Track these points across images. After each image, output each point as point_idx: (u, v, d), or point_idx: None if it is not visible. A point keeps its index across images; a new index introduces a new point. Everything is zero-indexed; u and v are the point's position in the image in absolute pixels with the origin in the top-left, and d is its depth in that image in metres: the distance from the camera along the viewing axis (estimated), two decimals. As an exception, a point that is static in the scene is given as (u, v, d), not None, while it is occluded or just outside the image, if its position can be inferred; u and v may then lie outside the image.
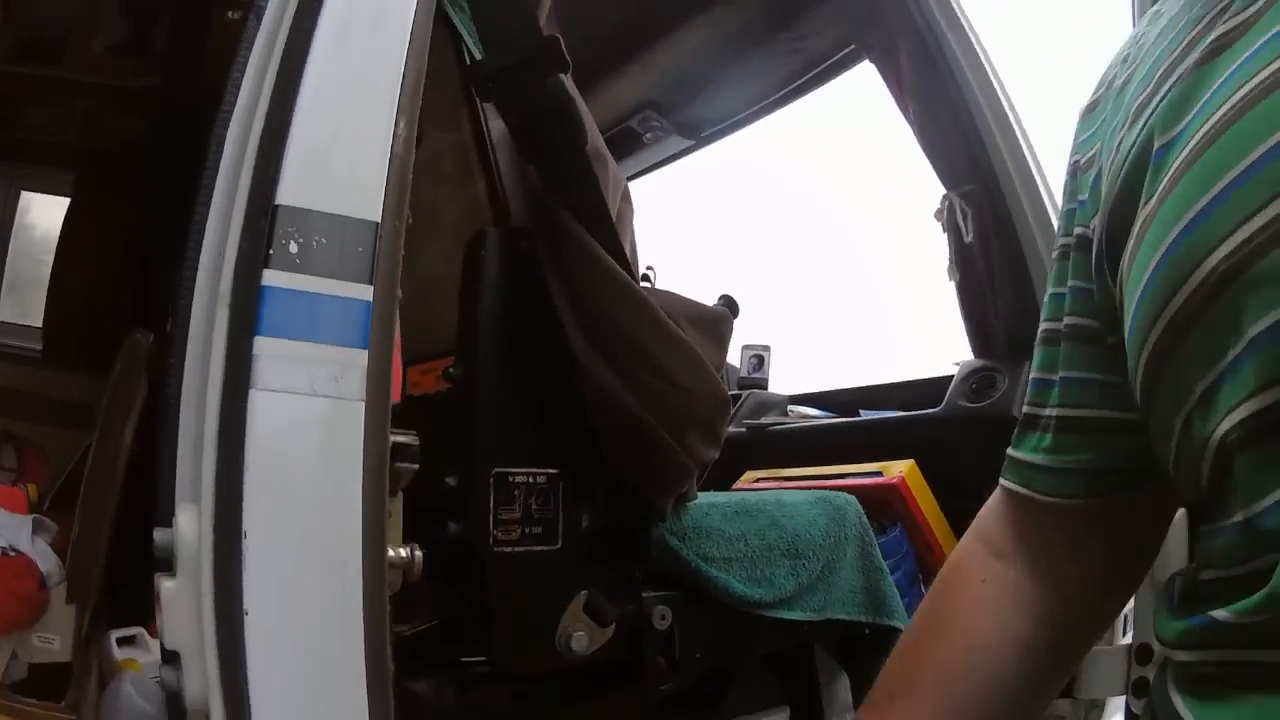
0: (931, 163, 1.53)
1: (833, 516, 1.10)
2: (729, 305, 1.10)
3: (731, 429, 1.53)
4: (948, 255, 1.50)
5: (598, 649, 0.92)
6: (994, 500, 0.62)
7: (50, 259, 2.17)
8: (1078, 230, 0.52)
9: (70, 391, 1.91)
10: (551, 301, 0.90)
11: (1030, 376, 0.58)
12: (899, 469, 1.29)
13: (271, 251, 0.61)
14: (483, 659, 1.08)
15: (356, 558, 0.57)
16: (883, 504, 1.27)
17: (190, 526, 0.58)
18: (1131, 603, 1.41)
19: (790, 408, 1.62)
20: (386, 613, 0.59)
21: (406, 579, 0.64)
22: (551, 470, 0.91)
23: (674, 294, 0.98)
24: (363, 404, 0.60)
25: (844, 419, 1.51)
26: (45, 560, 1.30)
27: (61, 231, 2.11)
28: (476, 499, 0.87)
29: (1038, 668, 0.57)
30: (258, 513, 0.55)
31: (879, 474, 1.30)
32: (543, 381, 0.91)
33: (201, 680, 0.55)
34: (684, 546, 0.97)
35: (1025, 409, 0.58)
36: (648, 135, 1.71)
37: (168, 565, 0.58)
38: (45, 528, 1.38)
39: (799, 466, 1.42)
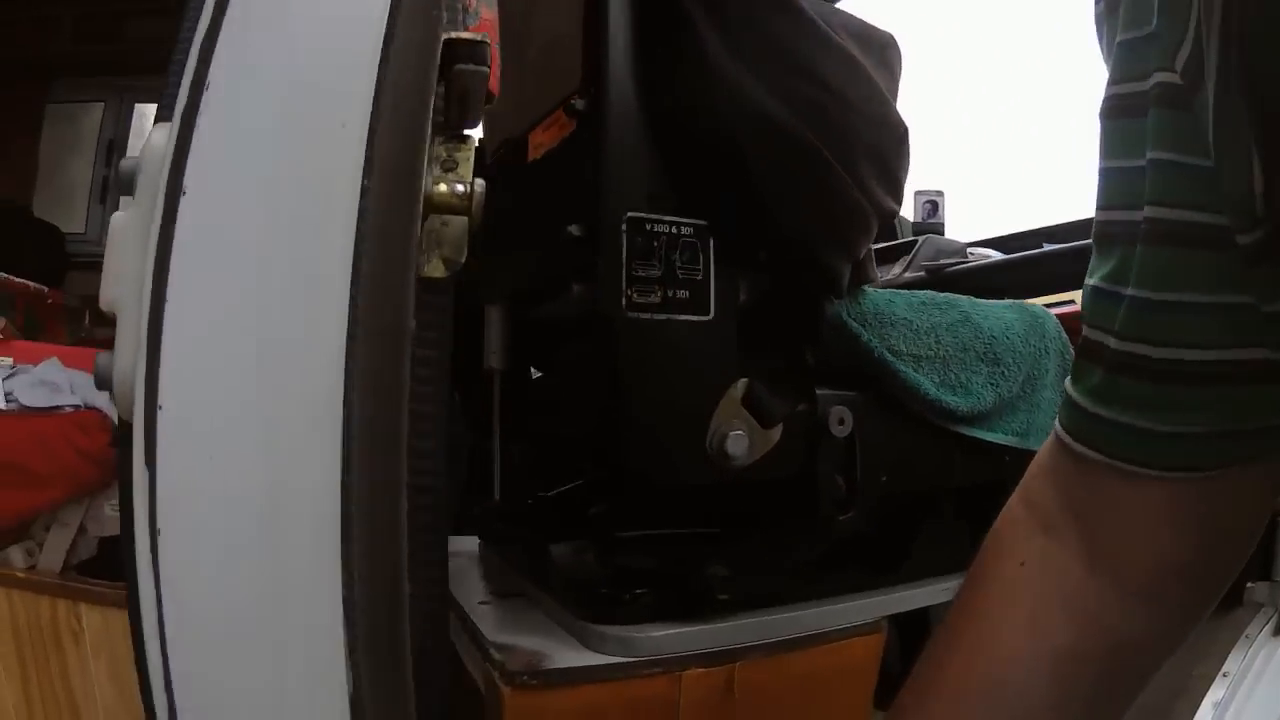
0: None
1: (1031, 325, 0.86)
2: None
3: (908, 274, 1.30)
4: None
5: (760, 460, 0.70)
6: (1048, 450, 0.47)
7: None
8: (1158, 77, 0.36)
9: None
10: (686, 17, 0.68)
11: (1087, 284, 0.43)
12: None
13: None
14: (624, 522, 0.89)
15: (360, 132, 0.33)
16: (1079, 333, 1.01)
17: (160, 136, 0.38)
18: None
19: (970, 251, 1.38)
20: (414, 244, 0.36)
21: (471, 226, 0.42)
22: (699, 221, 0.70)
23: (832, 5, 0.75)
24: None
25: (1029, 252, 1.26)
26: (122, 414, 1.15)
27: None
28: (606, 248, 0.66)
29: (1083, 691, 0.43)
30: (231, 59, 0.33)
31: (1071, 302, 1.04)
32: (684, 113, 0.70)
33: (133, 344, 0.33)
34: (865, 332, 0.74)
35: (1085, 330, 0.43)
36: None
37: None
38: (129, 384, 1.25)
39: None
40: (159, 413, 0.30)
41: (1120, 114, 0.39)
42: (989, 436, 0.81)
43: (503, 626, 0.76)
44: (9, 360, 1.14)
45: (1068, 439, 0.43)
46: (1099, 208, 0.42)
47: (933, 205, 1.49)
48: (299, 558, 0.30)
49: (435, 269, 0.41)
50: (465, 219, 0.41)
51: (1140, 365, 0.39)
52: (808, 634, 0.76)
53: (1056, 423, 0.45)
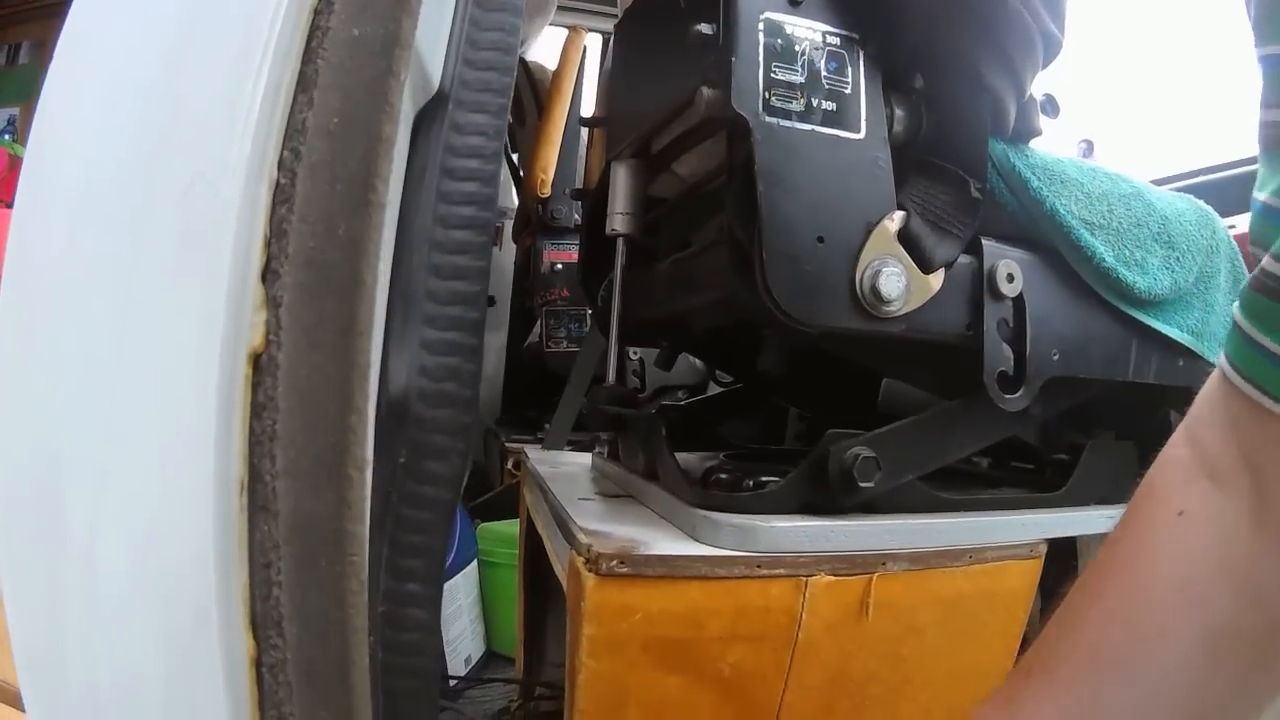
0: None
1: (1201, 216, 0.70)
2: (1049, 103, 0.74)
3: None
4: None
5: (918, 311, 0.54)
6: (1218, 383, 0.37)
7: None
8: None
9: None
10: None
11: (1255, 199, 0.34)
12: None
13: None
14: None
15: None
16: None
17: None
18: None
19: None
20: None
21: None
22: (848, 32, 0.56)
23: None
24: None
25: (1184, 182, 1.09)
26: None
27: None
28: (741, 45, 0.53)
29: (1232, 671, 0.35)
30: None
31: (1232, 226, 0.88)
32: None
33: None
34: (1035, 179, 0.59)
35: (1253, 251, 0.35)
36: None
37: None
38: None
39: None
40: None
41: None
42: (1165, 328, 0.64)
43: (601, 517, 0.60)
44: None
45: (1239, 380, 0.34)
46: (1265, 105, 0.33)
47: (1088, 145, 1.36)
48: None
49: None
50: None
51: None
52: (958, 548, 0.59)
53: (1222, 355, 0.35)
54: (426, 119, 0.35)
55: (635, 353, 1.13)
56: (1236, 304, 0.35)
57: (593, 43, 1.54)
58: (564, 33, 1.49)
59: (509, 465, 1.13)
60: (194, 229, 0.25)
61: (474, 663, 1.11)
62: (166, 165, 0.25)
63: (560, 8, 1.53)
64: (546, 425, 1.12)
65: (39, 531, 0.25)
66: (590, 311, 0.81)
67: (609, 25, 1.66)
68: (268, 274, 0.25)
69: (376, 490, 0.32)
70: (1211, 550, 0.35)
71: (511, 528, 0.95)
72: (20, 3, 2.09)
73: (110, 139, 0.25)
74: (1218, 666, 0.35)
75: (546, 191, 1.34)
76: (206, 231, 0.24)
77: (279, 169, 0.26)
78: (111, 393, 0.25)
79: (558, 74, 1.39)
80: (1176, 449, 0.39)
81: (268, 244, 0.25)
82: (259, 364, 0.25)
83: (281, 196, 0.26)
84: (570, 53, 1.41)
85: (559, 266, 1.39)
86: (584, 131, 1.44)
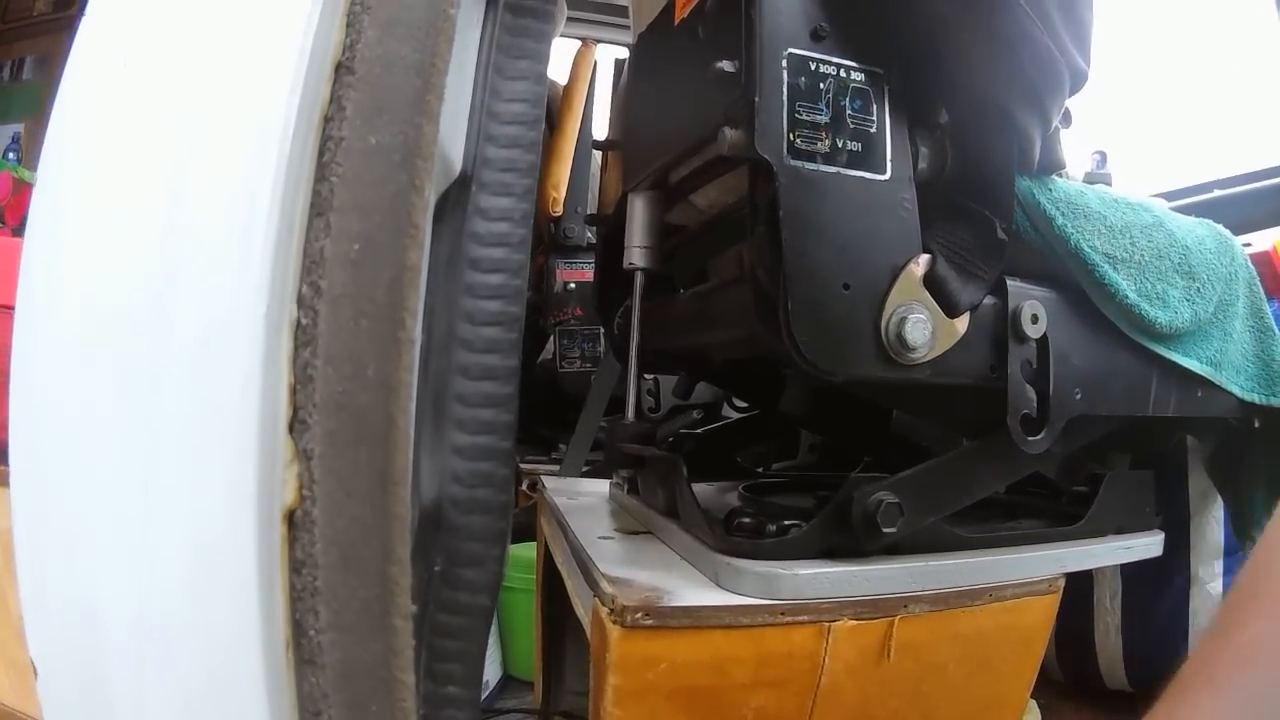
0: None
1: (1221, 243, 0.67)
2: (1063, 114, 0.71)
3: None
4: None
5: (943, 357, 0.52)
6: None
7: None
8: None
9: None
10: None
11: None
12: (1272, 238, 0.85)
13: None
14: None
15: None
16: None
17: None
18: None
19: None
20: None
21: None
22: (872, 68, 0.53)
23: None
24: None
25: (1198, 198, 1.07)
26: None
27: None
28: (764, 84, 0.49)
29: None
30: None
31: (1247, 244, 0.85)
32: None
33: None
34: (1059, 216, 0.56)
35: None
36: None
37: None
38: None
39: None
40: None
41: None
42: (1184, 361, 0.62)
43: (622, 560, 0.58)
44: None
45: None
46: None
47: (1102, 156, 1.32)
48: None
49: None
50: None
51: None
52: (979, 587, 0.57)
53: None
54: (449, 202, 0.32)
55: (649, 375, 1.10)
56: None
57: (603, 55, 1.48)
58: (574, 45, 1.43)
59: (523, 486, 1.11)
60: (214, 390, 0.22)
61: (490, 688, 1.09)
62: (175, 321, 0.22)
63: (570, 19, 1.46)
64: (561, 445, 1.10)
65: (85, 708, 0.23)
66: (603, 332, 0.79)
67: (620, 37, 1.60)
68: (295, 424, 0.23)
69: (413, 595, 0.30)
70: None
71: (528, 551, 0.93)
72: (24, 18, 2.01)
73: (110, 295, 0.22)
74: None
75: (558, 210, 1.29)
76: (230, 392, 0.22)
77: (299, 306, 0.23)
78: (145, 568, 0.22)
79: (568, 89, 1.34)
80: None
81: (293, 392, 0.23)
82: (293, 520, 0.23)
83: (304, 338, 0.23)
84: (580, 67, 1.36)
85: (572, 286, 1.35)
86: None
